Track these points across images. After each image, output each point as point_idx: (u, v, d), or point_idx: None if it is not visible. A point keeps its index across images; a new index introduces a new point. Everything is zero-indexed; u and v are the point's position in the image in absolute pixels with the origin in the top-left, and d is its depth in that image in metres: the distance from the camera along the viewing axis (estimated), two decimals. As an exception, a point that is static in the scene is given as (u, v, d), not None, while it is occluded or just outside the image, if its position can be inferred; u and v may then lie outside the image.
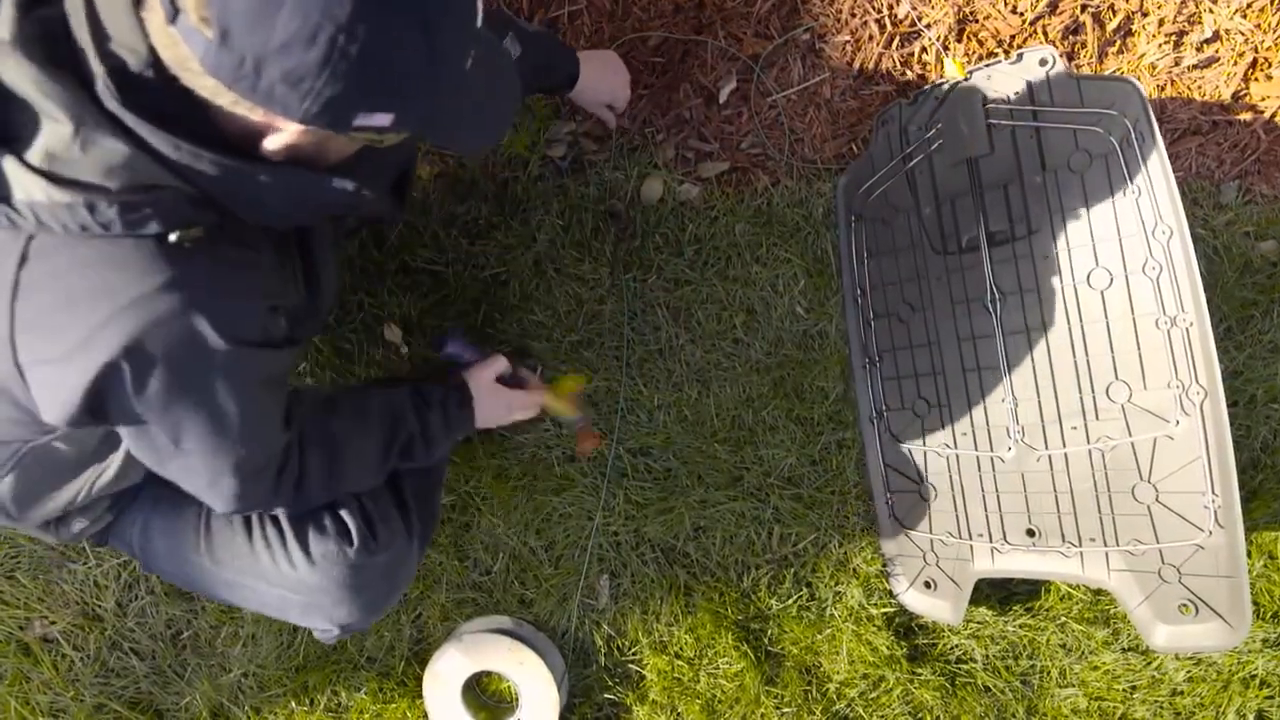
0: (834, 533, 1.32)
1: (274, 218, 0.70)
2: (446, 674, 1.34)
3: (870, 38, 1.26)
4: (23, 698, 1.38)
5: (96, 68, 0.56)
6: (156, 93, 0.58)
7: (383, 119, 0.59)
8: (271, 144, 0.62)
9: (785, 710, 1.34)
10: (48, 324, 0.64)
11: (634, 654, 1.37)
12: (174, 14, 0.54)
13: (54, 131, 0.57)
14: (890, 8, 1.25)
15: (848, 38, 1.26)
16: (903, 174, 1.21)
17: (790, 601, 1.33)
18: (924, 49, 1.26)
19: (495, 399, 1.13)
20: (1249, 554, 1.21)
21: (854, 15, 1.25)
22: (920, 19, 1.25)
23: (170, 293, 0.64)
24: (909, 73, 1.27)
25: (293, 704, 1.38)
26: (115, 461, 0.88)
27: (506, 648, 1.32)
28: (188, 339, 0.66)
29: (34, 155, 0.57)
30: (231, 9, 0.52)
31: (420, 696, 1.37)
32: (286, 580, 0.97)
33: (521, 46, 1.01)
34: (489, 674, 1.40)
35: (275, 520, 0.97)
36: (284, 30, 0.52)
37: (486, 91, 0.66)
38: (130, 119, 0.57)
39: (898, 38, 1.26)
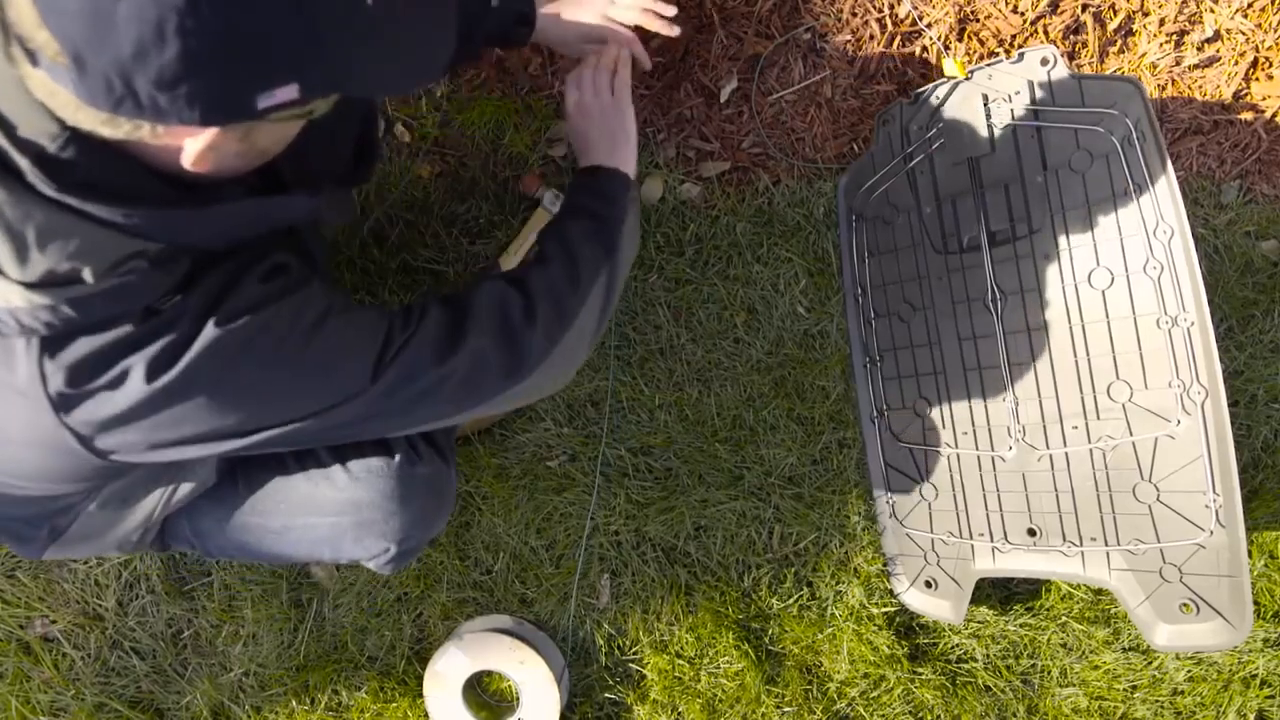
0: (835, 532, 1.32)
1: (242, 240, 0.68)
2: (447, 673, 1.34)
3: (871, 37, 1.26)
4: (23, 696, 1.38)
5: (19, 160, 0.53)
6: (85, 166, 0.55)
7: (287, 92, 0.54)
8: (190, 156, 0.58)
9: (786, 709, 1.34)
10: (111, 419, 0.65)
11: (635, 653, 1.37)
12: (34, 59, 0.51)
13: (5, 233, 0.54)
14: (891, 7, 1.25)
15: (849, 37, 1.26)
16: (904, 173, 1.21)
17: (791, 601, 1.33)
18: (925, 48, 1.26)
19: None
20: (1250, 553, 1.21)
21: (855, 15, 1.25)
22: (921, 18, 1.25)
23: (193, 351, 0.64)
24: (910, 72, 1.27)
25: (293, 703, 1.38)
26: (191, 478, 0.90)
27: (507, 647, 1.32)
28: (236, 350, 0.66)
29: (4, 265, 0.55)
30: (71, 33, 0.48)
31: (421, 696, 1.37)
32: (334, 505, 0.95)
33: None
34: (489, 673, 1.40)
35: (312, 452, 0.96)
36: (128, 37, 0.48)
37: (407, 21, 0.59)
38: (74, 201, 0.54)
39: (899, 37, 1.26)
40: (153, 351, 0.63)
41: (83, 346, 0.61)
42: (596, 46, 1.04)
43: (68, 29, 0.48)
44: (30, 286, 0.56)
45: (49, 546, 0.89)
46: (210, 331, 0.64)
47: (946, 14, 1.24)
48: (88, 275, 0.57)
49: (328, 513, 0.96)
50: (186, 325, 0.64)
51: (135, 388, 0.63)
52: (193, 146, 0.57)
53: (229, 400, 0.68)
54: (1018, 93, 1.11)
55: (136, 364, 0.63)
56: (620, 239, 0.91)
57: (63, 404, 0.63)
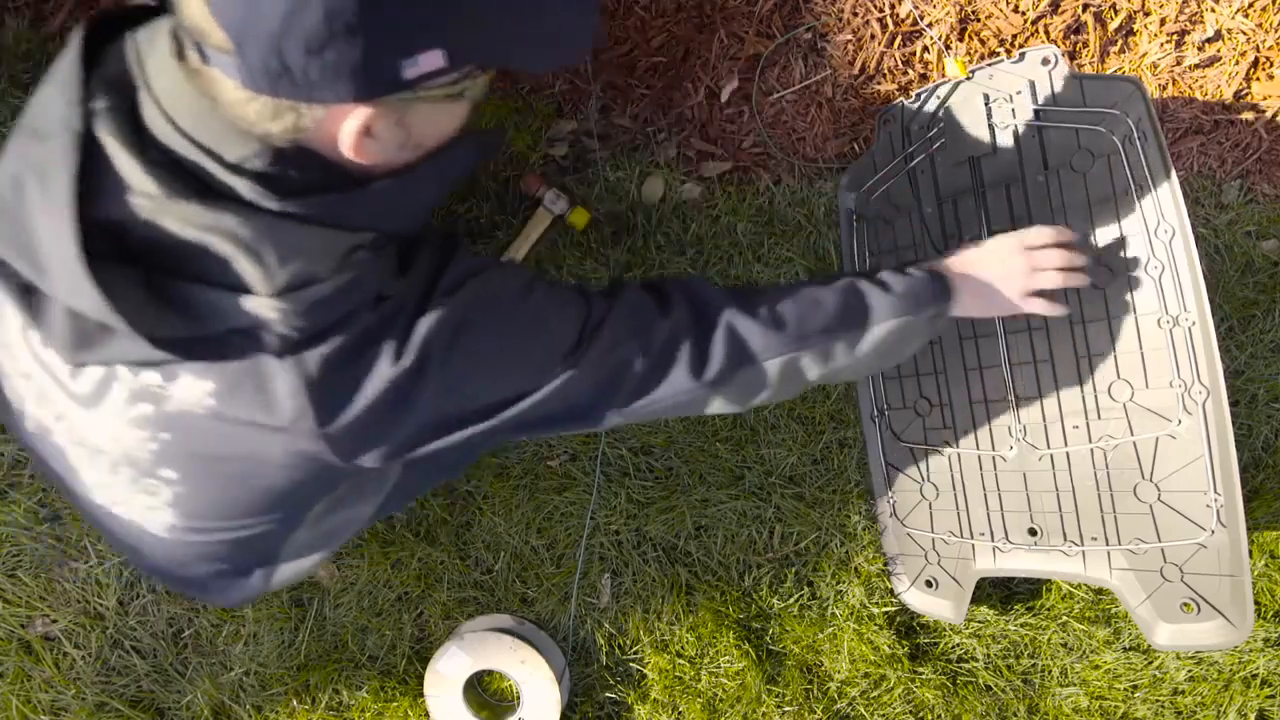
0: (835, 532, 1.32)
1: (433, 204, 0.71)
2: (448, 672, 1.34)
3: (872, 37, 1.26)
4: (24, 696, 1.38)
5: (236, 184, 0.56)
6: (287, 174, 0.59)
7: (433, 59, 0.54)
8: (347, 141, 0.59)
9: (786, 709, 1.34)
10: (363, 421, 0.66)
11: (635, 652, 1.37)
12: (202, 53, 0.53)
13: (248, 253, 0.57)
14: (892, 7, 1.25)
15: (850, 37, 1.27)
16: (904, 173, 1.21)
17: (792, 600, 1.33)
18: (926, 48, 1.26)
19: None
20: (1250, 553, 1.21)
21: (856, 14, 1.25)
22: (922, 18, 1.25)
23: (430, 329, 0.66)
24: (911, 72, 1.27)
25: (294, 702, 1.38)
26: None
27: (508, 646, 1.32)
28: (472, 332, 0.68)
29: (253, 283, 0.58)
30: (229, 11, 0.49)
31: (422, 695, 1.37)
32: None
33: None
34: (490, 673, 1.40)
35: None
36: (274, 3, 0.49)
37: None
38: (294, 207, 0.58)
39: (900, 37, 1.26)
40: (393, 333, 0.65)
41: (332, 345, 0.63)
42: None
43: (224, 9, 0.50)
44: (277, 295, 0.59)
45: (270, 579, 0.88)
46: (439, 300, 0.66)
47: (947, 13, 1.24)
48: (323, 273, 0.60)
49: None
50: (418, 300, 0.66)
51: (384, 372, 0.64)
52: (349, 128, 0.58)
53: (463, 372, 0.69)
54: (1019, 92, 1.11)
55: (383, 349, 0.64)
56: (869, 359, 0.87)
57: (324, 411, 0.64)
